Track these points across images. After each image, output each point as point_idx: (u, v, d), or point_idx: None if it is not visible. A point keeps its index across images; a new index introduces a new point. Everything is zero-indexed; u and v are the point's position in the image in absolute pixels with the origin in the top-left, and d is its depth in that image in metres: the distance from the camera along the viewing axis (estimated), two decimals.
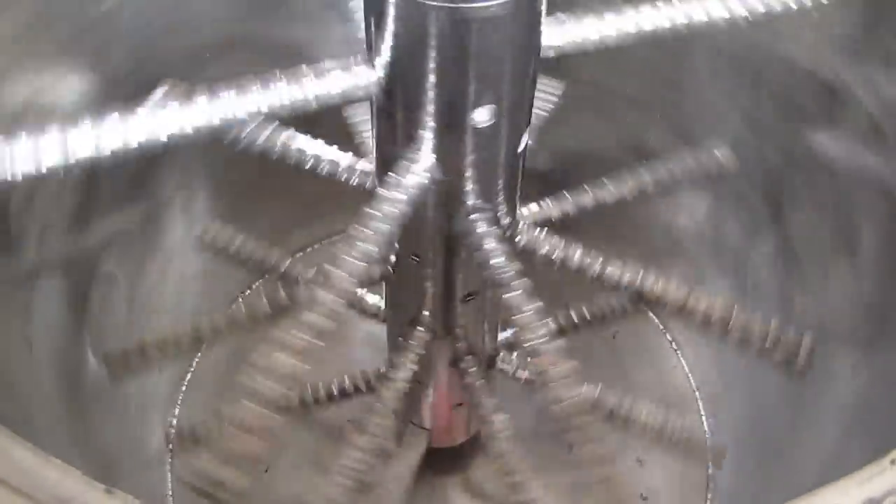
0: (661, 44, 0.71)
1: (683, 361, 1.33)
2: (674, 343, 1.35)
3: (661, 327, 1.35)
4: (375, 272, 0.83)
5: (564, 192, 0.87)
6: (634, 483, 1.23)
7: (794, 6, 0.66)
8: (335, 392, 0.94)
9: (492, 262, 0.66)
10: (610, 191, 0.88)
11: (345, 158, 0.80)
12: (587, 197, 0.87)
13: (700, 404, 1.29)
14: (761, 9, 0.66)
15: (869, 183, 0.88)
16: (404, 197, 0.62)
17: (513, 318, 0.64)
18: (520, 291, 0.64)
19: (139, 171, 1.05)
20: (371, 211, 0.61)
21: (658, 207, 1.26)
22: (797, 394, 1.00)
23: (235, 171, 1.12)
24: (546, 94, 1.00)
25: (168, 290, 1.19)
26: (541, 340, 0.62)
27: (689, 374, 1.32)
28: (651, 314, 1.34)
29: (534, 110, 0.70)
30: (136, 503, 0.43)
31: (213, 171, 1.16)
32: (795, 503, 0.45)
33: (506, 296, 0.64)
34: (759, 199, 1.08)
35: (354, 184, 0.79)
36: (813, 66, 0.92)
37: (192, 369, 1.27)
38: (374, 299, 1.00)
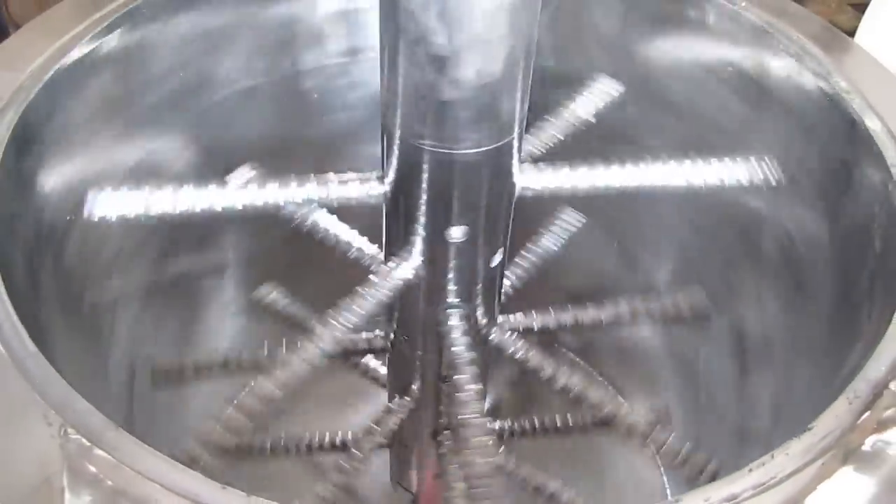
0: None
1: None
2: None
3: None
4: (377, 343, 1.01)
5: (550, 309, 1.03)
6: None
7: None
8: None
9: (453, 348, 0.83)
10: (588, 313, 1.03)
11: (371, 248, 0.99)
12: (567, 315, 1.02)
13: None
14: (715, 181, 0.82)
15: None
16: (389, 284, 0.79)
17: (457, 394, 0.79)
18: (467, 375, 0.80)
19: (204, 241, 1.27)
20: (361, 291, 0.78)
21: None
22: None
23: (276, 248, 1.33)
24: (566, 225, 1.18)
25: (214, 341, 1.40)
26: (473, 415, 0.77)
27: None
28: None
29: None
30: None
31: (257, 248, 1.39)
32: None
33: (455, 377, 0.80)
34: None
35: (365, 263, 0.96)
36: None
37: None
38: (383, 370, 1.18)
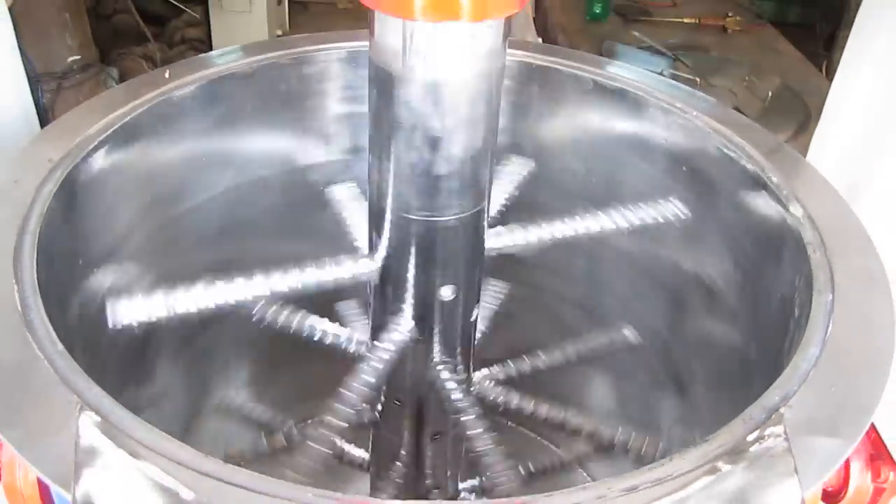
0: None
1: None
2: None
3: None
4: (365, 417, 1.10)
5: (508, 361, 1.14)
6: None
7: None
8: None
9: (453, 398, 0.96)
10: (542, 359, 1.15)
11: (344, 332, 1.05)
12: (524, 364, 1.14)
13: None
14: (637, 222, 0.97)
15: None
16: (392, 348, 0.93)
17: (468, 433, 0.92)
18: (473, 416, 0.94)
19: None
20: (369, 355, 0.91)
21: None
22: None
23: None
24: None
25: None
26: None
27: None
28: None
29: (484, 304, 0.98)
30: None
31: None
32: None
33: (463, 418, 0.94)
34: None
35: (352, 351, 1.04)
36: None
37: None
38: (359, 452, 1.28)
